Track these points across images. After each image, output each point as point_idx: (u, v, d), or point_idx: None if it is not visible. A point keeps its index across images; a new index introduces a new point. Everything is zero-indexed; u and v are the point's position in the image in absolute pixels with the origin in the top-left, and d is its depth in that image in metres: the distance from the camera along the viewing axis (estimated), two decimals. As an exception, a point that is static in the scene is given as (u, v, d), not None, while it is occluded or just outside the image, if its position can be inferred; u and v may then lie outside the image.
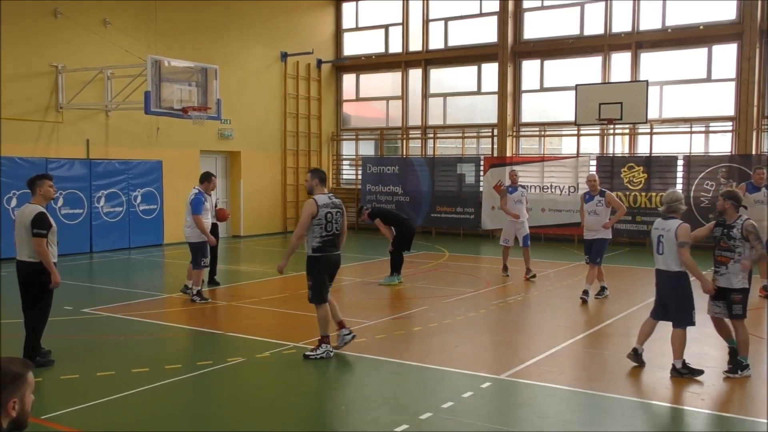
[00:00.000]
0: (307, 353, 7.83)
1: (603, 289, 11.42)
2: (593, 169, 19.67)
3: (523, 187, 14.08)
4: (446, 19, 22.76)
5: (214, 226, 12.09)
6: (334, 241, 8.01)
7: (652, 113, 18.80)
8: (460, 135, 22.76)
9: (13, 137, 15.72)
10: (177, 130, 18.67)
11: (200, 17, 19.70)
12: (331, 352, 7.85)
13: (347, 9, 24.54)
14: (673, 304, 7.18)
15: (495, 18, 21.58)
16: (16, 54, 15.71)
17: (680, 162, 18.50)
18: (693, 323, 7.20)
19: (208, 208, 11.36)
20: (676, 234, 7.07)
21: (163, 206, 18.58)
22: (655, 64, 19.72)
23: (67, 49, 16.62)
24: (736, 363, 7.14)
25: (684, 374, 7.02)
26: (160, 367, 7.39)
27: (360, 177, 23.70)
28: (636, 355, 7.43)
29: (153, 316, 10.08)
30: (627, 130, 20.02)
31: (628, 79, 19.55)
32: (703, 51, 19.09)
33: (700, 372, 7.05)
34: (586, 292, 11.00)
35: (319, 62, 23.67)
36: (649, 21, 19.73)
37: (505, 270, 13.46)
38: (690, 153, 18.67)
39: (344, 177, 25.10)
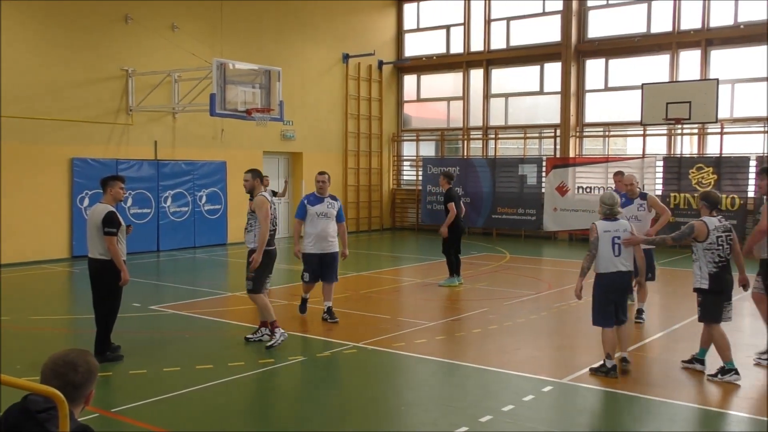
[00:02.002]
0: (268, 344, 8.16)
1: (640, 312, 9.60)
2: (660, 170, 19.19)
3: (644, 195, 9.91)
4: (508, 19, 22.54)
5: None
6: (274, 236, 8.57)
7: (723, 112, 18.21)
8: (522, 135, 22.51)
9: (85, 139, 16.30)
10: (241, 131, 19.04)
11: (263, 20, 20.03)
12: (285, 333, 8.31)
13: (408, 10, 24.56)
14: (622, 302, 7.33)
15: (558, 17, 21.26)
16: (89, 59, 16.28)
17: (752, 162, 17.86)
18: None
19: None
20: (631, 233, 7.28)
21: (227, 206, 18.97)
22: (726, 61, 19.09)
23: (137, 54, 17.14)
24: (719, 367, 7.09)
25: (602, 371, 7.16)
26: (224, 364, 7.54)
27: (420, 178, 23.69)
28: (608, 371, 7.12)
29: (217, 314, 10.30)
30: (696, 130, 19.45)
31: (698, 78, 18.99)
32: (777, 47, 18.41)
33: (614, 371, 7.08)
34: (640, 312, 9.56)
35: (381, 63, 23.76)
36: (720, 17, 19.12)
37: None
38: (764, 153, 18.01)
39: (405, 178, 25.13)
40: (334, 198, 9.74)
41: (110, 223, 7.46)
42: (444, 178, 12.96)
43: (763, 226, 7.46)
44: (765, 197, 7.82)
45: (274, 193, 15.84)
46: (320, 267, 9.50)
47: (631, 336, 7.55)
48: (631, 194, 9.71)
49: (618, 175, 10.37)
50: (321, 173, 9.72)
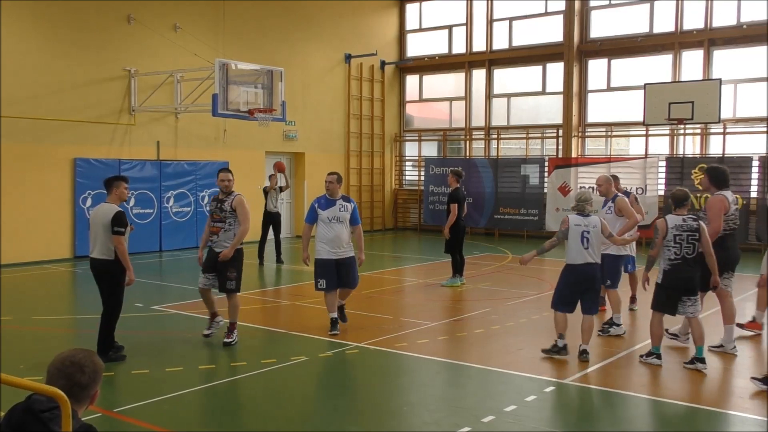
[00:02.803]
0: (227, 341, 8.33)
1: (608, 324, 8.97)
2: (662, 170, 19.17)
3: (614, 198, 9.60)
4: (510, 19, 22.54)
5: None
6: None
7: (726, 112, 18.19)
8: (525, 136, 22.51)
9: (89, 139, 16.32)
10: (243, 131, 19.05)
11: (266, 21, 20.04)
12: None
13: (411, 10, 24.56)
14: (590, 294, 7.74)
15: (560, 17, 21.25)
16: (92, 59, 16.29)
17: (755, 163, 17.85)
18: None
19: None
20: (602, 228, 7.76)
21: (230, 206, 18.94)
22: (728, 61, 19.07)
23: (140, 54, 17.16)
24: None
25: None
26: (226, 364, 7.55)
27: (423, 178, 23.69)
28: (558, 350, 7.75)
29: (219, 314, 10.28)
30: (698, 130, 19.44)
31: (700, 78, 18.97)
32: (780, 47, 18.38)
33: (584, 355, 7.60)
34: (608, 323, 9.02)
35: (383, 63, 23.77)
36: (723, 17, 19.10)
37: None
38: (767, 153, 17.98)
39: (407, 178, 25.12)
40: (347, 199, 9.06)
41: (120, 222, 7.47)
42: (453, 176, 12.91)
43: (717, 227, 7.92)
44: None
45: (281, 189, 16.11)
46: (337, 273, 8.87)
47: (593, 329, 7.88)
48: (603, 195, 9.60)
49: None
50: (330, 173, 9.05)
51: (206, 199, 18.55)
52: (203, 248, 8.71)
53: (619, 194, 9.59)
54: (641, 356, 7.68)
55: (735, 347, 8.01)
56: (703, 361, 7.35)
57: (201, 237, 8.97)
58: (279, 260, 15.42)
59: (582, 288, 7.72)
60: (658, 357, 7.52)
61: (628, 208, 9.24)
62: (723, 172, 8.27)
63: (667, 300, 7.45)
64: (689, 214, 7.47)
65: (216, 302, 8.72)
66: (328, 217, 8.84)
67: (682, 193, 7.57)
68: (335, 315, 9.00)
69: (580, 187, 20.17)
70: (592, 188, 13.79)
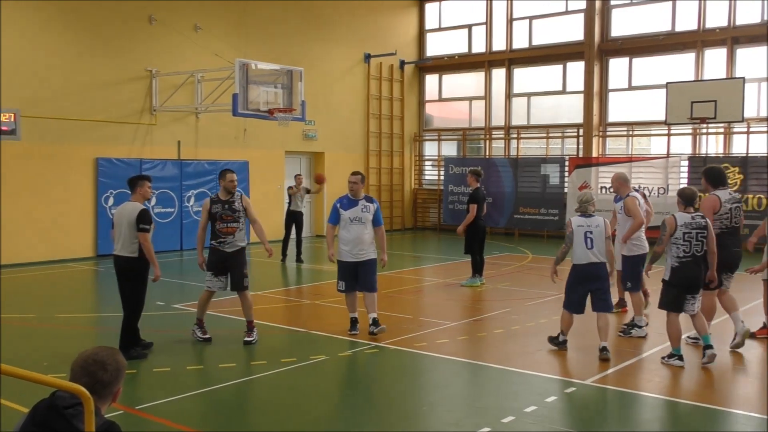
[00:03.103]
0: (248, 339, 8.42)
1: (630, 326, 8.92)
2: (684, 170, 18.98)
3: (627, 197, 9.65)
4: (531, 18, 22.43)
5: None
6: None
7: (749, 111, 17.97)
8: (545, 135, 22.39)
9: (111, 139, 16.47)
10: (263, 131, 19.13)
11: (286, 21, 20.11)
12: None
13: (430, 9, 24.53)
14: (600, 294, 7.86)
15: (581, 16, 21.12)
16: (114, 60, 16.44)
17: (779, 162, 17.62)
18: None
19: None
20: (605, 228, 7.90)
21: (250, 206, 19.03)
22: (752, 59, 18.83)
23: (161, 54, 17.29)
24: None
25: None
26: (246, 363, 7.59)
27: (442, 177, 23.65)
28: (556, 341, 8.16)
29: (239, 313, 10.33)
30: (721, 129, 19.22)
31: (723, 76, 18.76)
32: (805, 45, 18.13)
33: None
34: (629, 325, 8.95)
35: (402, 63, 23.76)
36: (746, 15, 18.87)
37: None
38: (790, 153, 17.76)
39: (426, 177, 25.10)
40: (369, 200, 8.91)
41: (145, 219, 7.63)
42: (472, 175, 12.87)
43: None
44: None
45: (308, 191, 16.48)
46: (356, 275, 8.75)
47: (609, 326, 7.93)
48: (617, 193, 9.64)
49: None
50: (354, 173, 8.92)
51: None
52: (202, 251, 8.68)
53: (632, 193, 9.44)
54: (663, 358, 7.64)
55: (743, 323, 8.11)
56: (711, 347, 7.44)
57: (197, 240, 8.82)
58: (299, 259, 15.51)
59: (588, 287, 7.89)
60: (680, 358, 7.45)
61: (634, 209, 9.03)
62: (718, 172, 8.57)
63: (676, 298, 7.44)
64: (697, 212, 7.54)
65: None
66: (349, 217, 8.70)
67: (690, 191, 7.61)
68: (355, 315, 8.94)
69: (601, 187, 20.05)
70: (603, 187, 13.78)
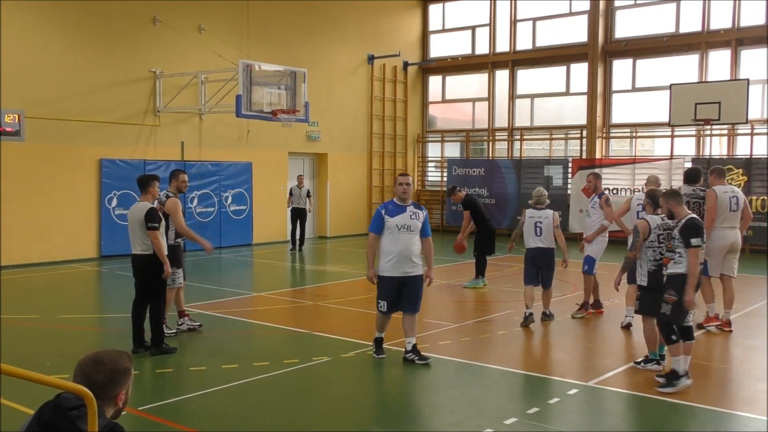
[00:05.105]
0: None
1: (585, 305, 10.15)
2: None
3: (600, 195, 10.20)
4: (534, 19, 22.42)
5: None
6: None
7: (754, 113, 17.95)
8: (548, 136, 22.38)
9: (114, 140, 16.50)
10: (266, 132, 19.15)
11: (289, 22, 20.13)
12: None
13: (434, 10, 24.54)
14: (546, 272, 9.64)
15: (585, 17, 21.11)
16: (118, 61, 16.48)
17: (783, 164, 17.59)
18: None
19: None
20: (553, 219, 9.54)
21: (253, 207, 19.09)
22: (757, 61, 18.80)
23: (165, 55, 17.32)
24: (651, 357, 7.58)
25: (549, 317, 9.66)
26: (249, 364, 7.59)
27: (445, 179, 23.65)
28: (525, 319, 9.42)
29: (242, 314, 10.37)
30: (725, 131, 19.19)
31: (727, 78, 18.73)
32: (809, 47, 18.09)
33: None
34: (587, 304, 10.17)
35: (406, 64, 23.77)
36: (751, 16, 18.84)
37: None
38: (794, 155, 17.72)
39: (429, 179, 25.10)
40: (418, 206, 7.80)
41: (152, 218, 7.87)
42: (452, 193, 13.21)
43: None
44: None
45: (309, 194, 17.14)
46: (399, 294, 7.60)
47: (550, 298, 9.78)
48: (591, 191, 10.28)
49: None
50: (403, 175, 7.83)
51: (230, 200, 18.68)
52: (202, 239, 9.58)
53: (605, 193, 10.21)
54: (636, 362, 7.50)
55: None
56: (663, 358, 7.49)
57: (190, 235, 9.32)
58: (300, 248, 17.94)
59: (538, 265, 9.64)
60: (657, 362, 7.37)
61: (606, 208, 9.95)
62: (693, 171, 9.68)
63: (654, 301, 7.15)
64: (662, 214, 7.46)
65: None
66: (397, 225, 7.54)
67: (658, 193, 7.52)
68: (382, 335, 7.93)
69: (605, 189, 20.01)
70: (608, 189, 13.99)
